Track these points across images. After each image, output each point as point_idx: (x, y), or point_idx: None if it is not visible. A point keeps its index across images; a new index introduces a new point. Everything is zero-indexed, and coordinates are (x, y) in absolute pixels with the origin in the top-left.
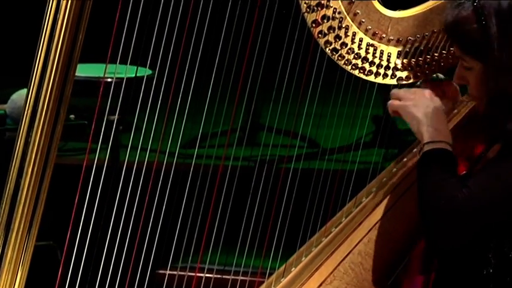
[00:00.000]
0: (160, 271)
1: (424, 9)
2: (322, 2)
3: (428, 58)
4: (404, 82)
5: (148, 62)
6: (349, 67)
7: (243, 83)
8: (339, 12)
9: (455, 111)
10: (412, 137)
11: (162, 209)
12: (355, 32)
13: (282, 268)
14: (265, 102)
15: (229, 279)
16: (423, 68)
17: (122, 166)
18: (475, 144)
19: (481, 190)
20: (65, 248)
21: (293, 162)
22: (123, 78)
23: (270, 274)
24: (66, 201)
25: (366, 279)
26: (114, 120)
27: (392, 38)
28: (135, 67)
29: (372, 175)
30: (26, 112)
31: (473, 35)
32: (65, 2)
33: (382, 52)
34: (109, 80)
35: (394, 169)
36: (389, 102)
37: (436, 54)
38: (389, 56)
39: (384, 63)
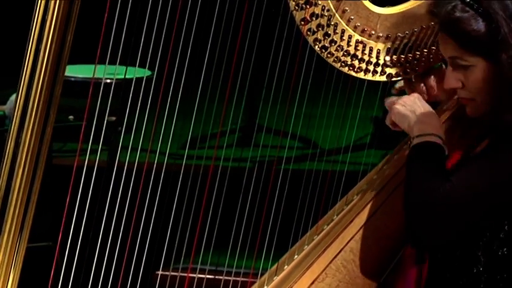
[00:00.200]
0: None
1: (413, 5)
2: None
3: (417, 54)
4: (394, 79)
5: (143, 61)
6: (339, 64)
7: (236, 83)
8: (328, 10)
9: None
10: None
11: (153, 210)
12: (344, 30)
13: (274, 267)
14: (262, 102)
15: (221, 279)
16: (412, 64)
17: (120, 167)
18: (473, 134)
19: (464, 185)
20: (57, 249)
21: (283, 163)
22: (121, 79)
23: (262, 274)
24: (65, 202)
25: (358, 276)
26: (112, 121)
27: (381, 34)
28: (133, 68)
29: (363, 175)
30: (16, 113)
31: (479, 34)
32: (53, 2)
33: (371, 49)
34: (108, 81)
35: (385, 166)
36: (387, 116)
37: (425, 50)
38: (378, 53)
39: (374, 60)
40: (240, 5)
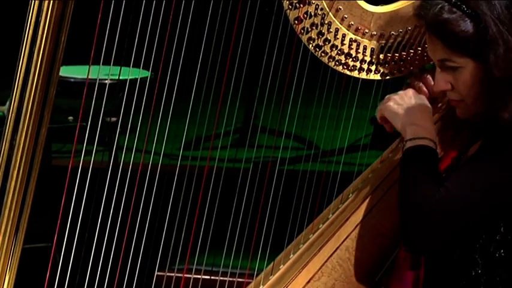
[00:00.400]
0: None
1: (406, 4)
2: None
3: (411, 52)
4: (388, 77)
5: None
6: (333, 63)
7: (231, 83)
8: (321, 9)
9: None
10: None
11: (148, 211)
12: (337, 28)
13: (270, 266)
14: (256, 103)
15: (217, 280)
16: (406, 63)
17: (118, 167)
18: (466, 135)
19: (459, 191)
20: (52, 250)
21: (278, 164)
22: (123, 79)
23: (258, 274)
24: (65, 203)
25: (354, 275)
26: (112, 122)
27: (375, 33)
28: (134, 69)
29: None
30: (10, 115)
31: (467, 35)
32: (46, 3)
33: (365, 47)
34: (107, 81)
35: (380, 165)
36: (377, 110)
37: (419, 48)
38: (372, 52)
39: (368, 58)
40: (233, 5)
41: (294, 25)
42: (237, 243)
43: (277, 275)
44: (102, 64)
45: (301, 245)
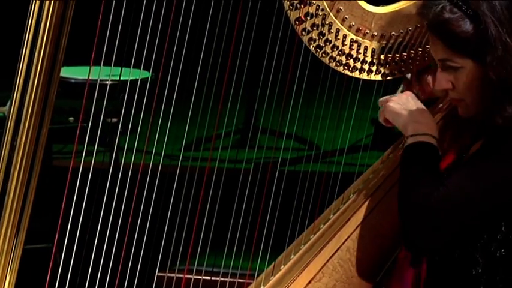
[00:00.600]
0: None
1: (407, 4)
2: None
3: (412, 53)
4: (389, 78)
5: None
6: (334, 64)
7: (231, 84)
8: (322, 9)
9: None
10: None
11: (149, 212)
12: (338, 29)
13: (271, 267)
14: (257, 104)
15: (218, 280)
16: (407, 63)
17: (122, 168)
18: (467, 134)
19: (459, 190)
20: (53, 251)
21: (278, 164)
22: (120, 80)
23: (259, 275)
24: (66, 204)
25: (354, 276)
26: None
27: (375, 33)
28: (133, 69)
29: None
30: (10, 116)
31: (467, 35)
32: (47, 3)
33: (366, 48)
34: (108, 82)
35: (380, 165)
36: (379, 112)
37: (420, 49)
38: (373, 52)
39: (368, 59)
40: (234, 5)
41: (295, 26)
42: (237, 244)
43: (278, 275)
44: (103, 65)
45: (302, 246)
